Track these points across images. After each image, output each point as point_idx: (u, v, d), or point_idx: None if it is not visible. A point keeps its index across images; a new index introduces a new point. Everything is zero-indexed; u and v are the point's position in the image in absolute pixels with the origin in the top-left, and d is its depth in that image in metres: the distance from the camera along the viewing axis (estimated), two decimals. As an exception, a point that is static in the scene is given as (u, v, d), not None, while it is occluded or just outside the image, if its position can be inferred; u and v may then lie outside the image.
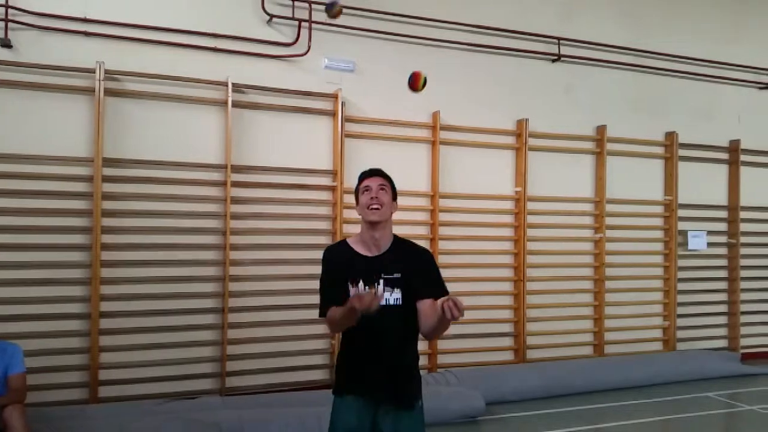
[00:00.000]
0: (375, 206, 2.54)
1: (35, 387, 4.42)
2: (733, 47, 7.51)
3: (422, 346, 5.88)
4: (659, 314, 7.08)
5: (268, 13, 5.43)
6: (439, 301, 2.26)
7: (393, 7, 5.85)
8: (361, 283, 2.54)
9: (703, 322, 7.27)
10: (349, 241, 2.68)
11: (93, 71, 4.81)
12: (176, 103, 5.16)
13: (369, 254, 2.59)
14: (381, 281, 2.54)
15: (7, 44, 4.67)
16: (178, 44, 5.17)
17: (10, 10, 4.69)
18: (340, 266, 2.59)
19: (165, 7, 5.18)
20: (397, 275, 2.55)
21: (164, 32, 5.13)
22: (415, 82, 2.20)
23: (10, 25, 4.69)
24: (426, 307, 2.52)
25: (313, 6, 5.53)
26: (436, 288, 2.59)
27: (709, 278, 7.34)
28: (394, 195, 2.64)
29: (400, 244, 2.65)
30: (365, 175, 2.64)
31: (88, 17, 4.91)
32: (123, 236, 4.96)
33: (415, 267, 2.58)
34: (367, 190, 2.58)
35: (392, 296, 2.55)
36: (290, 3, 5.49)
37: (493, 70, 6.34)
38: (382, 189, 2.58)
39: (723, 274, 7.44)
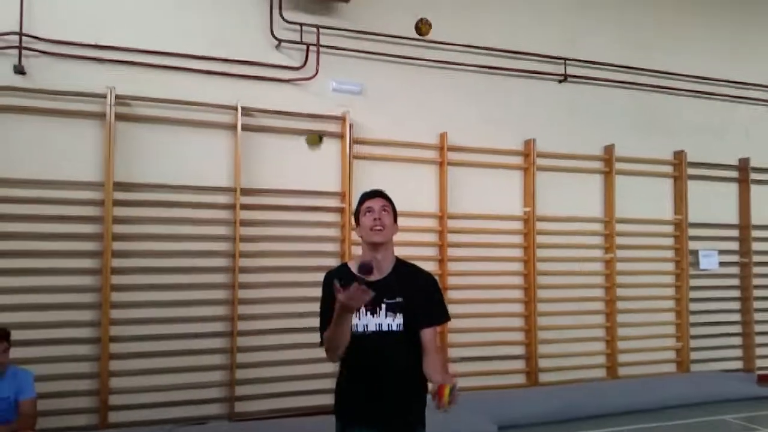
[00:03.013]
0: (378, 227, 2.52)
1: (45, 412, 4.39)
2: (742, 65, 7.52)
3: (433, 368, 5.83)
4: (672, 335, 6.99)
5: (276, 38, 5.50)
6: (435, 388, 2.20)
7: (399, 30, 5.91)
8: (362, 309, 2.50)
9: (717, 343, 7.17)
10: (350, 264, 2.64)
11: (104, 96, 4.87)
12: (186, 127, 5.21)
13: (371, 278, 2.57)
14: (383, 305, 2.52)
15: (20, 71, 4.74)
16: (188, 69, 5.24)
17: (24, 38, 4.77)
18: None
19: (175, 33, 5.25)
20: (399, 299, 2.51)
21: (174, 57, 5.20)
22: (440, 394, 2.20)
23: (24, 52, 4.77)
24: (426, 341, 2.49)
25: (321, 30, 5.59)
26: (437, 314, 2.57)
27: (722, 298, 7.25)
28: (395, 216, 2.63)
29: (403, 266, 2.62)
30: (367, 197, 2.62)
31: (99, 44, 4.99)
32: (133, 260, 4.97)
33: (417, 291, 2.54)
34: (369, 212, 2.55)
35: (394, 322, 2.51)
36: (298, 28, 5.56)
37: (500, 91, 6.37)
38: (384, 210, 2.55)
39: (736, 293, 7.35)
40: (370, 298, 2.25)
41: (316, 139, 2.17)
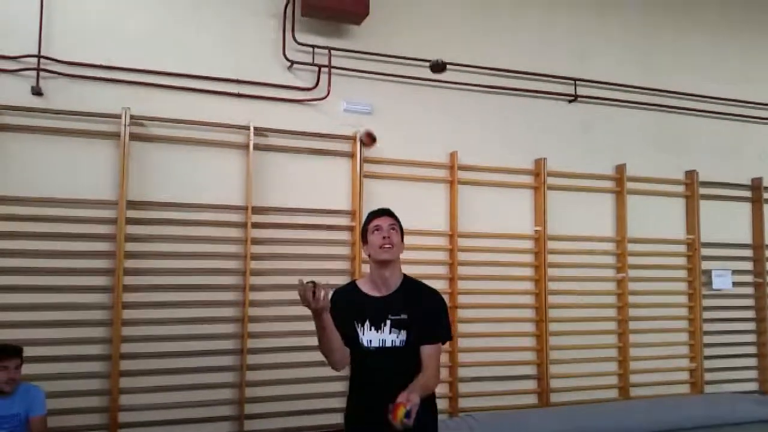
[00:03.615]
0: (387, 245, 2.56)
1: (56, 430, 4.42)
2: (754, 85, 7.51)
3: (443, 389, 5.80)
4: (686, 356, 6.91)
5: (288, 60, 5.58)
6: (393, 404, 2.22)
7: (409, 52, 5.97)
8: (367, 323, 2.52)
9: (732, 363, 7.07)
10: (358, 282, 2.69)
11: (119, 116, 4.95)
12: (199, 147, 5.28)
13: (378, 294, 2.59)
14: (388, 321, 2.53)
15: (38, 92, 4.84)
16: (201, 90, 5.32)
17: (41, 60, 4.87)
18: (348, 307, 2.59)
19: (189, 54, 5.35)
20: (403, 316, 2.54)
21: (188, 78, 5.29)
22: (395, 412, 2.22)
23: (41, 74, 4.87)
24: (424, 356, 2.52)
25: (333, 52, 5.67)
26: (437, 332, 2.59)
27: (736, 318, 7.17)
28: (402, 235, 2.67)
29: (410, 284, 2.65)
30: (374, 215, 2.67)
31: (114, 65, 5.09)
32: (145, 278, 5.01)
33: (422, 308, 2.57)
34: (377, 230, 2.60)
35: (398, 338, 2.53)
36: (310, 50, 5.64)
37: (510, 111, 6.40)
38: (392, 228, 2.61)
39: (750, 314, 7.26)
40: (325, 291, 2.27)
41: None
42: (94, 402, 4.83)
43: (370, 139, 3.19)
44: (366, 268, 5.42)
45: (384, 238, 2.56)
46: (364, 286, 2.63)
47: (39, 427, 3.89)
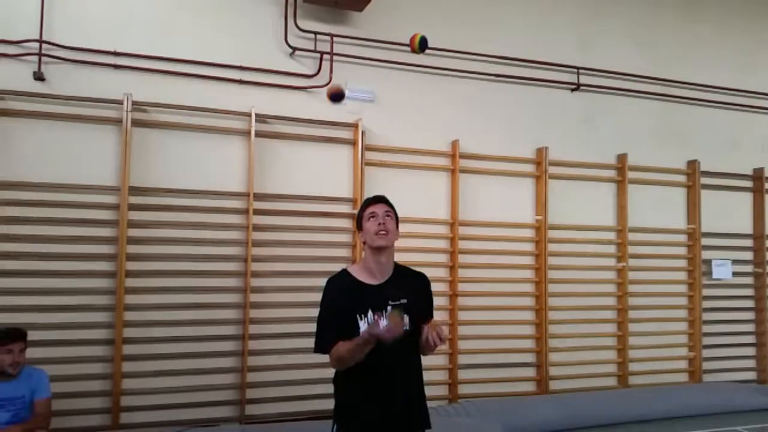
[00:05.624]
0: (383, 231, 2.60)
1: (59, 412, 4.46)
2: (756, 75, 7.50)
3: (442, 375, 5.86)
4: (684, 345, 6.95)
5: (291, 46, 5.57)
6: (426, 328, 2.43)
7: (413, 38, 5.95)
8: (370, 313, 2.55)
9: (730, 353, 7.12)
10: (351, 270, 2.71)
11: (121, 102, 4.96)
12: (201, 133, 5.28)
13: (374, 282, 2.63)
14: (389, 308, 2.57)
15: (40, 77, 4.84)
16: (203, 76, 5.32)
17: (43, 45, 4.87)
18: (347, 297, 2.60)
19: (191, 40, 5.34)
20: (403, 301, 2.60)
21: (190, 65, 5.28)
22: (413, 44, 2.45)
23: (43, 59, 4.87)
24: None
25: (334, 39, 5.65)
26: (430, 311, 2.73)
27: (735, 308, 7.20)
28: (397, 223, 2.70)
29: (401, 270, 2.72)
30: (370, 202, 2.71)
31: (117, 51, 5.08)
32: (147, 263, 5.04)
33: (417, 290, 2.66)
34: (373, 217, 2.63)
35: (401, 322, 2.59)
36: (312, 36, 5.63)
37: (512, 99, 6.40)
38: (387, 215, 2.65)
39: (749, 303, 7.30)
40: (402, 331, 2.36)
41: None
42: (97, 386, 4.88)
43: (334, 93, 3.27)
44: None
45: (379, 224, 2.60)
46: (359, 274, 2.65)
47: (43, 410, 3.93)
